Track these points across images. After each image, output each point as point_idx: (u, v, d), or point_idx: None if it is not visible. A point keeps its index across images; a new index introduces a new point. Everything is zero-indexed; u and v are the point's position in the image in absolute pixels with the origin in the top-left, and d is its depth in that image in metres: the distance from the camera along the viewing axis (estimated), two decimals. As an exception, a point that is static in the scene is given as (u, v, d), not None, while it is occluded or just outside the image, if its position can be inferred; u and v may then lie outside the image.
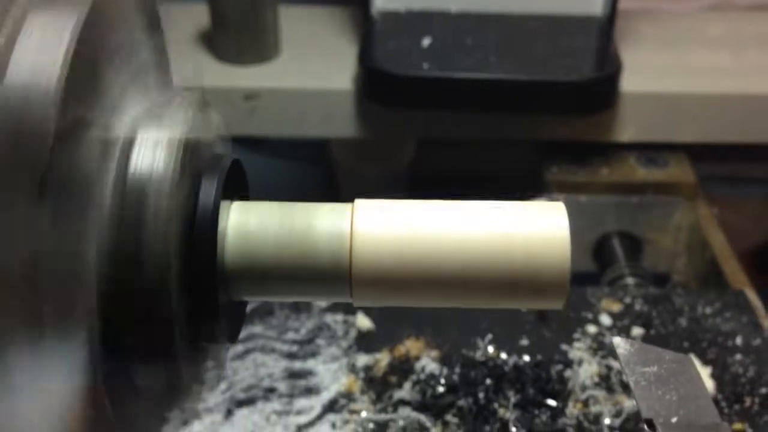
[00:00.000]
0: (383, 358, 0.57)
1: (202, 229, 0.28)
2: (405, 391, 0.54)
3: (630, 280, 0.73)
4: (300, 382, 0.55)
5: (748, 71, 0.79)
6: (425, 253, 0.29)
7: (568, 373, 0.56)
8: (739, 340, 0.58)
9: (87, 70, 0.26)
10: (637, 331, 0.59)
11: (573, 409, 0.53)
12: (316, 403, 0.54)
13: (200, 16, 0.80)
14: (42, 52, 0.24)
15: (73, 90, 0.24)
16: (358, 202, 0.30)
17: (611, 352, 0.57)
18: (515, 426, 0.52)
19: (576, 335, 0.59)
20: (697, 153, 0.80)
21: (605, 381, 0.55)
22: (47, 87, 0.24)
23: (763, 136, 0.78)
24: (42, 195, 0.23)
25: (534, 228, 0.29)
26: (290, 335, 0.59)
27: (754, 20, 0.88)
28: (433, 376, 0.55)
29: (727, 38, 0.84)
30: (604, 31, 0.76)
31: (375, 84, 0.73)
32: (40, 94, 0.24)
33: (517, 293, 0.29)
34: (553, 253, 0.28)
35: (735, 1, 0.90)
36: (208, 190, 0.29)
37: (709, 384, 0.55)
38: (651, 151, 0.79)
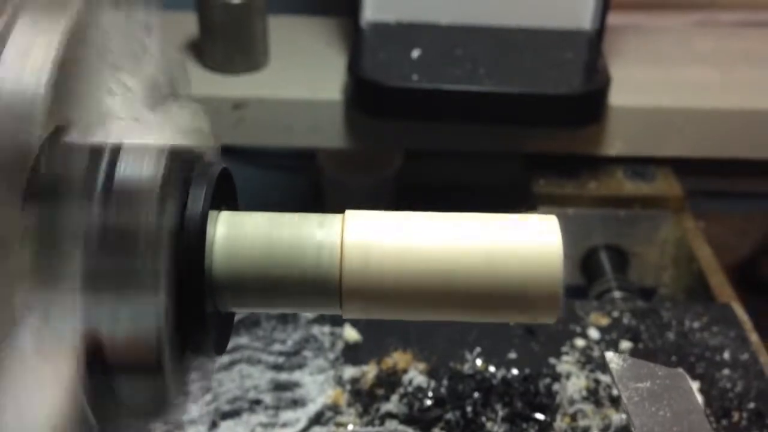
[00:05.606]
0: (370, 371, 0.56)
1: (190, 239, 0.28)
2: (392, 404, 0.54)
3: (617, 294, 0.73)
4: (286, 394, 0.55)
5: (735, 86, 0.79)
6: (416, 266, 0.28)
7: (556, 386, 0.55)
8: (726, 355, 0.58)
9: (74, 75, 0.26)
10: (625, 344, 0.59)
11: (561, 423, 0.53)
12: (302, 415, 0.53)
13: (189, 25, 0.79)
14: (29, 56, 0.24)
15: (59, 94, 0.24)
16: (349, 213, 0.30)
17: (599, 366, 0.57)
18: (503, 440, 0.52)
19: (564, 349, 0.58)
20: (684, 167, 0.80)
21: (593, 395, 0.55)
22: (34, 91, 0.24)
23: (749, 151, 0.79)
24: (27, 197, 0.23)
25: (526, 241, 0.28)
26: (276, 347, 0.58)
27: (741, 36, 0.89)
28: (420, 389, 0.55)
29: (714, 54, 0.84)
30: (593, 45, 0.76)
31: (364, 95, 0.73)
32: (27, 98, 0.24)
33: (509, 307, 0.28)
34: (545, 267, 0.28)
35: (722, 17, 0.91)
36: (197, 199, 0.28)
37: (698, 399, 0.55)
38: (638, 164, 0.80)
